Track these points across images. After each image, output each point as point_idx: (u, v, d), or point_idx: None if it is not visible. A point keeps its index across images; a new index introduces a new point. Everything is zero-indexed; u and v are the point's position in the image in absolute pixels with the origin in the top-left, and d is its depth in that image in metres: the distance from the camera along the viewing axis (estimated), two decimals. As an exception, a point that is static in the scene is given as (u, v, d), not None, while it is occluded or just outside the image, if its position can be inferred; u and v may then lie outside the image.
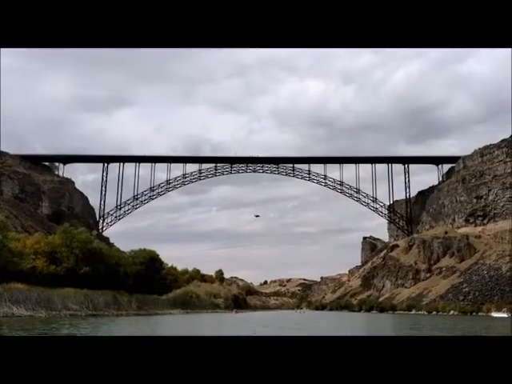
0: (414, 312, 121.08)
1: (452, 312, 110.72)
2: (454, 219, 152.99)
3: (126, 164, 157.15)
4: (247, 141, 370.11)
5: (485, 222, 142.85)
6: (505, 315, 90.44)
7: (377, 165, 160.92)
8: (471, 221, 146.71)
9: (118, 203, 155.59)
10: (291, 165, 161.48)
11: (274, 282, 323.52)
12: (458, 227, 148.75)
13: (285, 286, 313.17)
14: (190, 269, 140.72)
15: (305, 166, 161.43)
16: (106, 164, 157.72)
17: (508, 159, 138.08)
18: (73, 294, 57.47)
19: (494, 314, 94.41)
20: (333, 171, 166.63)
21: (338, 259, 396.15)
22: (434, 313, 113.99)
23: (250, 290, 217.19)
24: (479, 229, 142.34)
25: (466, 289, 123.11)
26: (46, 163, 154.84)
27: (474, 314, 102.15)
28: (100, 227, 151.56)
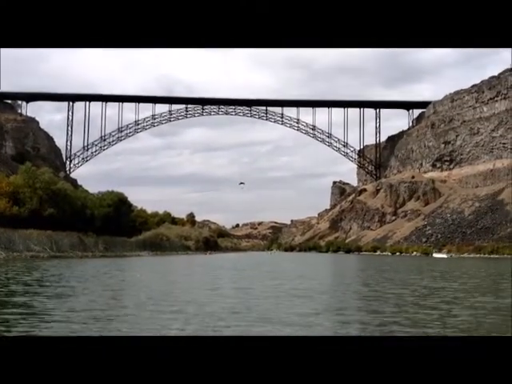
0: (378, 253, 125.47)
1: (414, 253, 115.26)
2: (421, 164, 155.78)
3: (92, 103, 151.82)
4: (221, 81, 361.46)
5: (451, 167, 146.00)
6: (444, 256, 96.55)
7: (350, 109, 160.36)
8: (438, 166, 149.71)
9: (85, 144, 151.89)
10: (264, 108, 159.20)
11: (246, 225, 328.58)
12: (425, 172, 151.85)
13: (256, 228, 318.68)
14: (161, 212, 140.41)
15: (278, 110, 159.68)
16: (71, 103, 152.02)
17: (477, 105, 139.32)
18: (35, 235, 56.53)
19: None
20: (306, 115, 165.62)
21: (309, 203, 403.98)
22: (398, 254, 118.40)
23: (221, 233, 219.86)
24: (445, 174, 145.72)
25: (429, 231, 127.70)
26: (8, 101, 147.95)
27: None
28: (67, 169, 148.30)
